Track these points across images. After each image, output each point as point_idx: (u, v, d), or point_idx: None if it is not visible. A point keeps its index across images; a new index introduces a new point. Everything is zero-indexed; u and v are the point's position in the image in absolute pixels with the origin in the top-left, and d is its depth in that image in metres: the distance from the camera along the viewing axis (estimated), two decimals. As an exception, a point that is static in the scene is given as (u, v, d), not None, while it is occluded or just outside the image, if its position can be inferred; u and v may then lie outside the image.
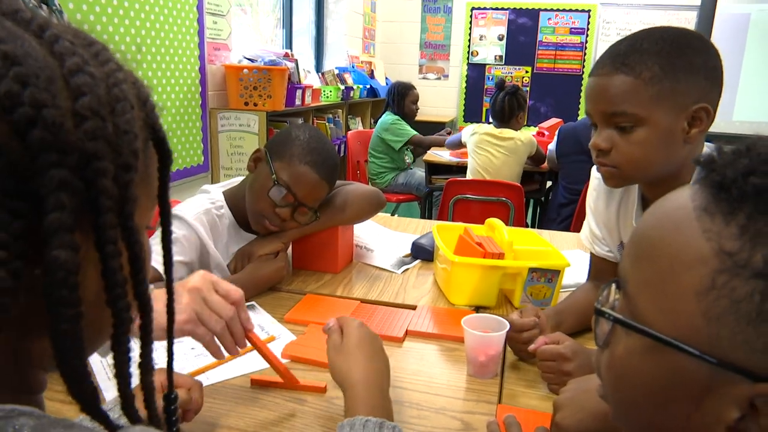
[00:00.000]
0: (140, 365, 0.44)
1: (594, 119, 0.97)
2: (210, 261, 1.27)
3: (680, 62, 0.89)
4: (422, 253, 1.56)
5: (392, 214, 4.38)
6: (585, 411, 0.75)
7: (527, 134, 3.24)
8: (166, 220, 0.47)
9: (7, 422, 0.32)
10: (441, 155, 3.65)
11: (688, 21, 5.66)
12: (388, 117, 4.09)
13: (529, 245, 1.41)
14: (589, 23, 5.85)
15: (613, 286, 0.48)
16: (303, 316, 1.20)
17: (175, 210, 1.25)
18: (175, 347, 0.52)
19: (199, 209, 1.28)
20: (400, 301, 1.30)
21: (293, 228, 1.36)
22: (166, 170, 0.44)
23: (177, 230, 1.20)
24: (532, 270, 1.24)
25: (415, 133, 4.03)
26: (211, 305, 0.81)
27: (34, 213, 0.32)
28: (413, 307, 1.26)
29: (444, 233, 1.44)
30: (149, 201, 0.43)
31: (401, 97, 4.15)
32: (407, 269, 1.50)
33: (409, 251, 1.60)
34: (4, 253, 0.31)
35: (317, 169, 1.28)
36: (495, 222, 1.39)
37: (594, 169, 1.27)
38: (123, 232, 0.38)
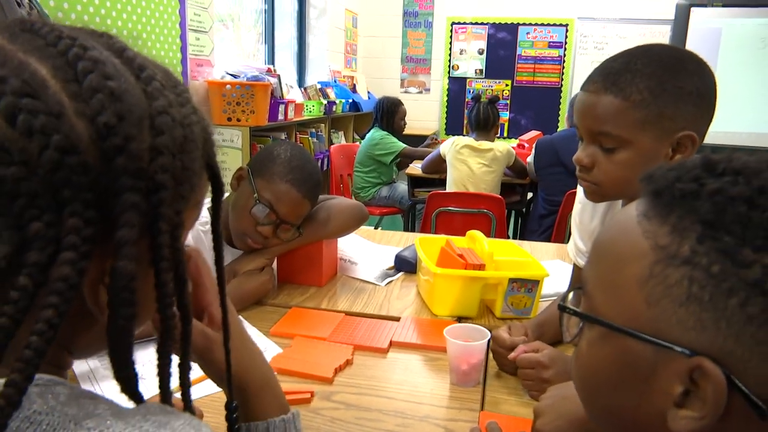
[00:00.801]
0: (180, 366, 0.51)
1: (580, 133, 0.98)
2: None
3: (671, 87, 0.88)
4: (405, 265, 1.59)
5: (376, 227, 4.41)
6: (564, 417, 0.78)
7: (505, 145, 3.30)
8: (218, 246, 0.55)
9: (47, 389, 0.39)
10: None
11: (662, 34, 5.80)
12: (376, 133, 4.12)
13: (509, 256, 1.45)
14: (566, 37, 5.96)
15: (573, 292, 0.53)
16: (289, 329, 1.22)
17: None
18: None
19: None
20: (384, 313, 1.33)
21: (276, 245, 1.38)
22: (218, 201, 0.52)
23: None
24: (512, 280, 1.28)
25: (404, 146, 4.07)
26: None
27: (103, 226, 0.38)
28: (397, 319, 1.29)
29: (426, 246, 1.47)
30: (189, 225, 0.49)
31: (390, 114, 4.19)
32: (391, 281, 1.53)
33: (392, 264, 1.62)
34: (74, 254, 0.37)
35: (299, 187, 1.30)
36: (476, 234, 1.42)
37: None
38: (171, 252, 0.43)
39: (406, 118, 4.41)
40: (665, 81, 0.88)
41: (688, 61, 0.91)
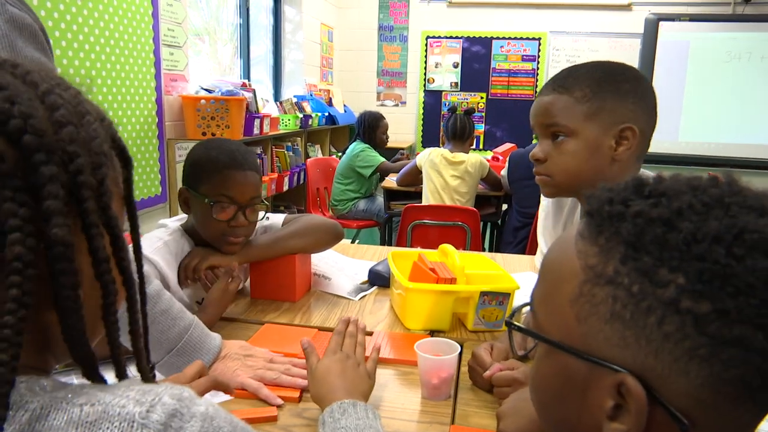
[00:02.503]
0: (130, 332, 0.53)
1: (535, 131, 1.09)
2: (171, 293, 1.28)
3: (609, 87, 1.01)
4: (379, 279, 1.60)
5: (353, 240, 4.42)
6: (524, 417, 0.80)
7: (477, 157, 3.34)
8: (133, 217, 0.55)
9: (33, 382, 0.42)
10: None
11: (632, 47, 5.93)
12: (357, 146, 4.15)
13: (481, 269, 1.47)
14: (539, 50, 6.07)
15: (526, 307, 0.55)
16: (261, 345, 1.21)
17: None
18: None
19: (158, 243, 1.29)
20: (357, 328, 1.33)
21: (253, 230, 1.38)
22: (129, 174, 0.53)
23: None
24: (483, 294, 1.29)
25: (383, 160, 4.10)
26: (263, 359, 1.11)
27: (34, 202, 0.41)
28: (370, 333, 1.29)
29: (399, 260, 1.48)
30: (119, 200, 0.51)
31: (372, 129, 4.23)
32: (364, 296, 1.53)
33: (366, 278, 1.63)
34: (19, 235, 0.39)
35: (235, 165, 1.30)
36: (447, 248, 1.43)
37: (543, 199, 1.34)
38: (103, 218, 0.46)
39: (385, 132, 4.45)
40: (604, 81, 1.02)
41: (626, 69, 1.04)
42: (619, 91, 1.01)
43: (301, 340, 1.00)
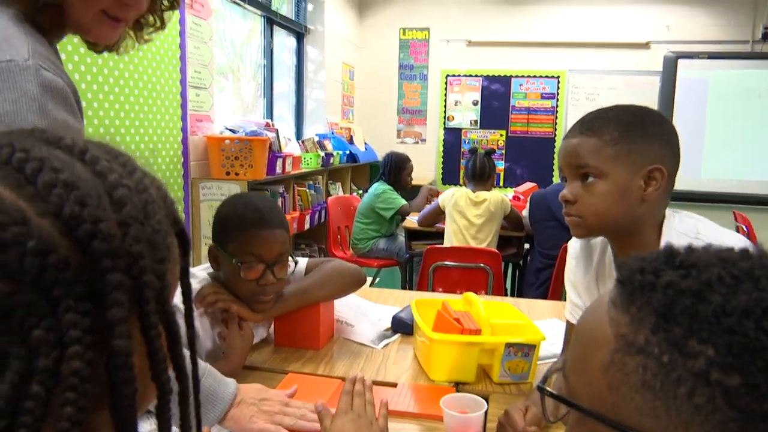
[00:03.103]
0: (180, 427, 0.52)
1: (564, 173, 1.11)
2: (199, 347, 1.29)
3: (637, 129, 1.04)
4: (402, 327, 1.59)
5: (373, 279, 4.42)
6: None
7: (499, 194, 3.35)
8: (187, 298, 0.54)
9: None
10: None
11: (651, 85, 5.94)
12: (380, 186, 4.16)
13: (506, 318, 1.46)
14: (558, 88, 6.10)
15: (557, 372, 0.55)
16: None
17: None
18: None
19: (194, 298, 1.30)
20: (381, 378, 1.32)
21: (284, 285, 1.39)
22: (186, 256, 0.52)
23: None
24: (508, 345, 1.28)
25: (404, 203, 4.10)
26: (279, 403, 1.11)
27: (96, 310, 0.39)
28: (394, 385, 1.28)
29: (422, 308, 1.48)
30: (175, 283, 0.50)
31: (398, 170, 4.25)
32: (388, 344, 1.53)
33: (389, 325, 1.62)
34: (78, 348, 0.38)
35: (263, 224, 1.30)
36: (471, 297, 1.43)
37: (572, 240, 1.34)
38: (162, 316, 0.44)
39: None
40: (632, 124, 1.04)
41: (651, 113, 1.08)
42: (647, 134, 1.04)
43: (315, 405, 0.99)
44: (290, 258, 1.37)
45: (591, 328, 0.48)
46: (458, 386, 1.29)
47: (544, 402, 0.56)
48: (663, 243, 1.08)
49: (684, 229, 1.08)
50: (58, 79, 0.79)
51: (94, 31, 0.88)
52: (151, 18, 0.98)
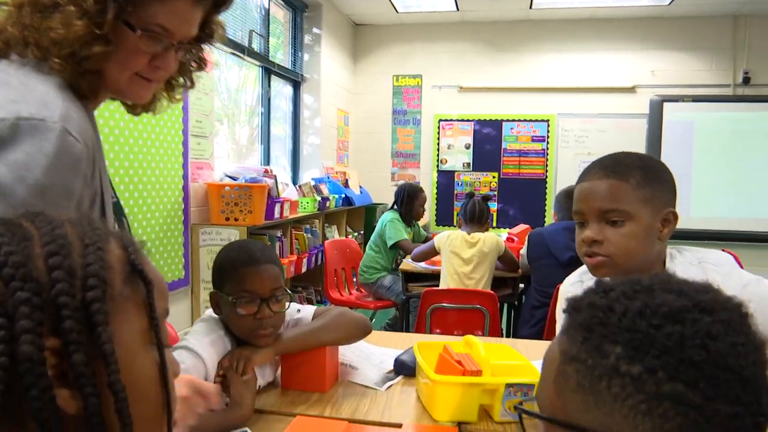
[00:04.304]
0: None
1: (587, 216, 1.17)
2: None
3: (655, 174, 1.13)
4: (404, 369, 1.64)
5: (371, 319, 4.44)
6: None
7: (493, 235, 3.43)
8: (156, 330, 0.57)
9: None
10: (416, 264, 3.76)
11: (638, 127, 6.11)
12: (389, 215, 4.26)
13: (505, 359, 1.51)
14: (548, 131, 6.26)
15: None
16: (294, 439, 1.25)
17: (186, 342, 1.33)
18: None
19: (206, 340, 1.35)
20: (386, 420, 1.36)
21: (282, 320, 1.45)
22: (150, 294, 0.57)
23: (186, 360, 1.27)
24: (508, 385, 1.33)
25: (406, 237, 4.17)
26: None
27: (10, 323, 0.47)
28: (399, 425, 1.33)
29: (424, 351, 1.53)
30: (142, 316, 0.56)
31: (411, 199, 4.31)
32: (391, 385, 1.57)
33: (391, 367, 1.67)
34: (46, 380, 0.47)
35: (252, 261, 1.38)
36: (472, 339, 1.48)
37: (566, 281, 1.40)
38: (86, 335, 0.50)
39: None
40: (650, 169, 1.14)
41: (657, 160, 1.19)
42: (662, 180, 1.15)
43: None
44: (286, 292, 1.43)
45: (548, 354, 0.59)
46: (461, 426, 1.33)
47: (522, 420, 0.66)
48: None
49: (689, 259, 1.19)
50: (78, 145, 0.86)
51: (129, 92, 0.96)
52: (181, 79, 1.06)
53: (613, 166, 1.15)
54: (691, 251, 1.22)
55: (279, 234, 3.85)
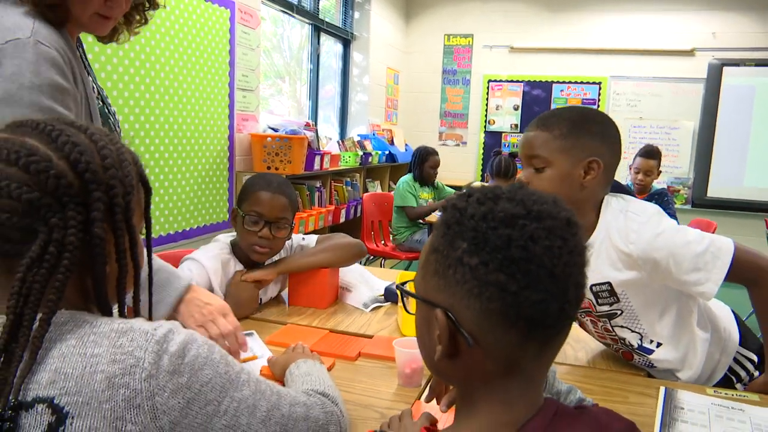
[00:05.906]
0: (133, 298, 0.85)
1: (521, 162, 1.36)
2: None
3: (581, 126, 1.26)
4: (392, 296, 1.84)
5: (407, 268, 4.66)
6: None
7: None
8: (149, 227, 0.87)
9: (82, 313, 0.73)
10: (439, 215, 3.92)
11: (695, 92, 5.93)
12: (405, 177, 4.46)
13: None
14: (600, 94, 6.18)
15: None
16: (282, 340, 1.48)
17: (192, 255, 1.60)
18: None
19: (212, 252, 1.62)
20: (362, 332, 1.58)
21: (280, 247, 1.69)
22: (148, 197, 0.84)
23: (192, 269, 1.54)
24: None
25: (412, 204, 4.35)
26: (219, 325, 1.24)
27: (86, 212, 0.71)
28: (370, 336, 1.54)
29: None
30: (140, 215, 0.82)
31: (421, 162, 4.49)
32: (375, 307, 1.79)
33: (382, 293, 1.88)
34: (75, 230, 0.69)
35: (268, 188, 1.63)
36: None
37: None
38: (126, 226, 0.76)
39: (442, 169, 4.67)
40: (579, 122, 1.27)
41: (596, 114, 1.31)
42: (591, 132, 1.27)
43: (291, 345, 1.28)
44: (291, 225, 1.67)
45: (425, 245, 0.71)
46: (426, 341, 1.53)
47: (403, 299, 0.80)
48: (600, 220, 1.30)
49: (618, 206, 1.31)
50: (53, 51, 1.08)
51: (90, 26, 1.19)
52: (137, 16, 1.31)
53: (545, 118, 1.29)
54: (623, 200, 1.32)
55: (318, 185, 4.09)
